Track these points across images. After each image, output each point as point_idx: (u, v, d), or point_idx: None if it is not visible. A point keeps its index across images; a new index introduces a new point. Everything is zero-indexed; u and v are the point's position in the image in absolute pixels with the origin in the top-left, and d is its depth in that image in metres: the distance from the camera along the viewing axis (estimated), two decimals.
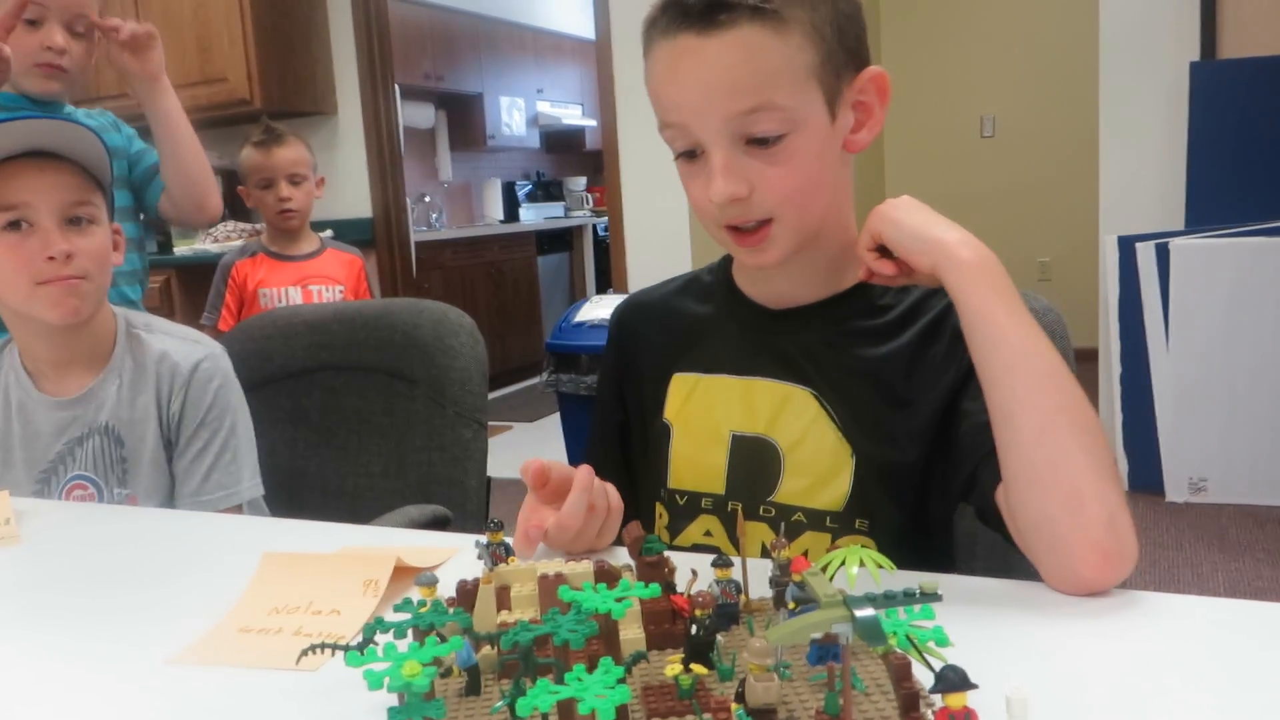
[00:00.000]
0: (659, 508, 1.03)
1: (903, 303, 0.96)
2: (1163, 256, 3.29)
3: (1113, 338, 3.44)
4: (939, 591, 0.53)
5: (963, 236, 0.84)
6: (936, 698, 0.50)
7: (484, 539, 0.75)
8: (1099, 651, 0.67)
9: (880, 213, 0.88)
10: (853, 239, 0.95)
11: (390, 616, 0.61)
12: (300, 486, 1.72)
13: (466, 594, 0.71)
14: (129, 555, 1.02)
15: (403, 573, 0.87)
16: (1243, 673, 0.62)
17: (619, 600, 0.58)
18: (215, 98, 4.31)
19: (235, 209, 4.72)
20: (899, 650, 0.54)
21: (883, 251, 0.88)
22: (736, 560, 0.72)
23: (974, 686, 0.48)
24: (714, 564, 0.69)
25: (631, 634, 0.66)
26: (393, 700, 0.52)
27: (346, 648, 0.58)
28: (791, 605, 0.65)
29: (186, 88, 4.33)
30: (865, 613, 0.48)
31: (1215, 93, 3.27)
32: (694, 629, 0.61)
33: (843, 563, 0.65)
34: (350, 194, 4.64)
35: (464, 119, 6.92)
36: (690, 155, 0.89)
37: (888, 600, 0.51)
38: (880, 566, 0.65)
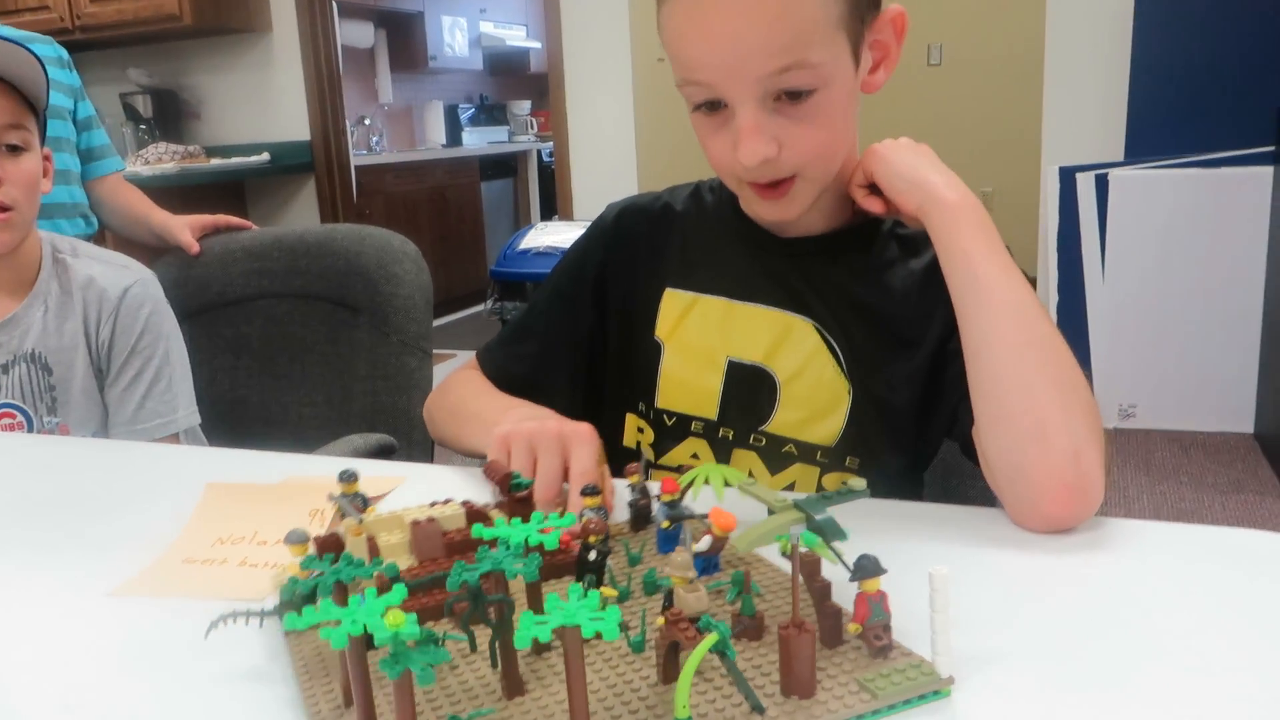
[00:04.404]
0: (638, 422, 1.02)
1: (905, 238, 0.96)
2: (1102, 187, 3.35)
3: (1051, 267, 3.50)
4: (865, 488, 0.58)
5: (948, 180, 0.86)
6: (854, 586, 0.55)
7: (338, 492, 0.70)
8: (1031, 568, 0.69)
9: (874, 152, 0.90)
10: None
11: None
12: (242, 416, 1.70)
13: (332, 546, 0.65)
14: (66, 486, 1.00)
15: None
16: (1174, 592, 0.65)
17: (542, 532, 0.58)
18: (142, 13, 4.13)
19: (166, 129, 4.57)
20: (806, 549, 0.57)
21: (874, 189, 0.90)
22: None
23: (884, 571, 0.54)
24: (582, 493, 0.70)
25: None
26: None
27: (263, 614, 0.57)
28: (665, 524, 0.70)
29: (112, 1, 4.16)
30: (824, 515, 0.53)
31: (1158, 24, 3.29)
32: (591, 555, 0.62)
33: (706, 480, 0.69)
34: (287, 116, 4.51)
35: (404, 39, 6.73)
36: (710, 107, 0.85)
37: (825, 500, 0.55)
38: (727, 484, 0.69)
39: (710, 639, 0.49)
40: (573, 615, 0.47)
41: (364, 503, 0.69)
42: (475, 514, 0.68)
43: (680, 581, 0.56)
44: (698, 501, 0.72)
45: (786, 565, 0.64)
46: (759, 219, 0.97)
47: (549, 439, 0.80)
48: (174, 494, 0.90)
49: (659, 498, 0.72)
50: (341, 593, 0.53)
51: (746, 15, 0.79)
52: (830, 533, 0.53)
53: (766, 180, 0.88)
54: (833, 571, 0.57)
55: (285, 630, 0.61)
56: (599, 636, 0.45)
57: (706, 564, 0.66)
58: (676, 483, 0.71)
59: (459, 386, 1.08)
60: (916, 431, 0.95)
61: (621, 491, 0.77)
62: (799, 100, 0.82)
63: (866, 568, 0.54)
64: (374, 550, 0.65)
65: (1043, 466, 0.74)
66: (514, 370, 1.06)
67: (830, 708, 0.51)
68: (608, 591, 0.60)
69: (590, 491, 0.70)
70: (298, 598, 0.57)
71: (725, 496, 0.69)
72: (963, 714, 0.52)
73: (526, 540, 0.57)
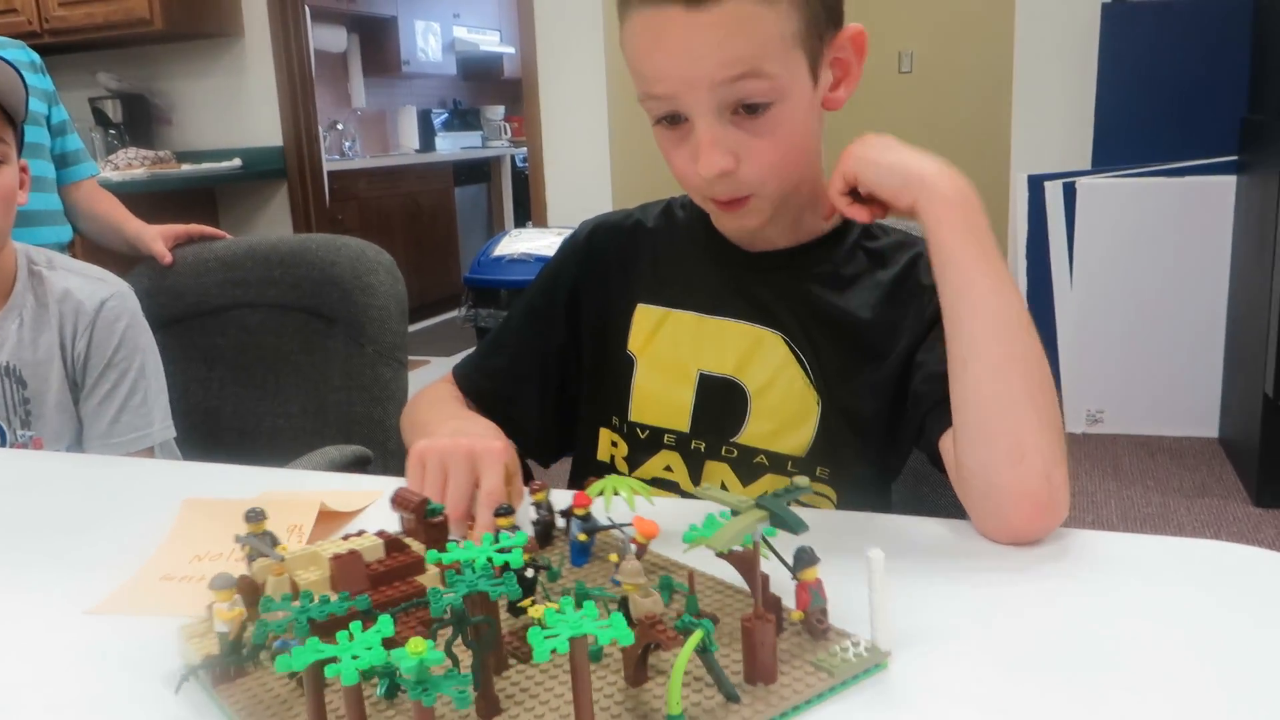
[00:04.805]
0: (612, 435, 1.03)
1: (873, 251, 0.97)
2: (1069, 195, 3.39)
3: (1020, 274, 3.54)
4: (808, 484, 0.62)
5: (940, 168, 0.84)
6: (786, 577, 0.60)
7: (244, 532, 0.67)
8: (994, 578, 0.70)
9: (854, 154, 0.86)
10: (824, 186, 0.96)
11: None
12: (215, 427, 1.70)
13: (248, 589, 0.62)
14: (40, 502, 1.00)
15: (327, 517, 0.87)
16: (1135, 601, 0.67)
17: (504, 551, 0.59)
18: (112, 16, 4.09)
19: (136, 134, 4.53)
20: (741, 547, 0.59)
21: (854, 195, 0.88)
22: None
23: (819, 560, 0.59)
24: (496, 513, 0.72)
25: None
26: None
27: (235, 662, 0.57)
28: (582, 537, 0.72)
29: (81, 4, 4.12)
30: (785, 509, 0.57)
31: (1124, 35, 3.34)
32: (529, 572, 0.63)
33: (615, 491, 0.74)
34: (259, 121, 4.48)
35: (377, 43, 6.71)
36: (671, 120, 0.87)
37: (777, 497, 0.58)
38: (636, 493, 0.74)
39: (697, 635, 0.51)
40: (580, 626, 0.48)
41: (273, 541, 0.67)
42: (393, 543, 0.67)
43: (633, 589, 0.58)
44: (609, 512, 0.75)
45: (706, 566, 0.65)
46: (726, 232, 0.99)
47: (459, 457, 0.81)
48: (150, 510, 0.91)
49: (573, 511, 0.73)
50: (326, 631, 0.52)
51: (701, 27, 0.81)
52: (793, 525, 0.57)
53: (725, 197, 0.89)
54: (765, 564, 0.60)
55: (215, 682, 0.59)
56: (615, 643, 0.48)
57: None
58: (588, 496, 0.74)
59: (424, 397, 1.09)
60: (885, 441, 0.96)
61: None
62: (756, 114, 0.84)
63: (804, 559, 0.58)
64: (294, 590, 0.63)
65: (1017, 486, 0.76)
66: (484, 384, 1.08)
67: (795, 689, 0.55)
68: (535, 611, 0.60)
69: (504, 512, 0.71)
70: (252, 647, 0.56)
71: (637, 506, 0.73)
72: (900, 683, 0.57)
73: (490, 560, 0.57)
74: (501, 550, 0.58)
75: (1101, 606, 0.66)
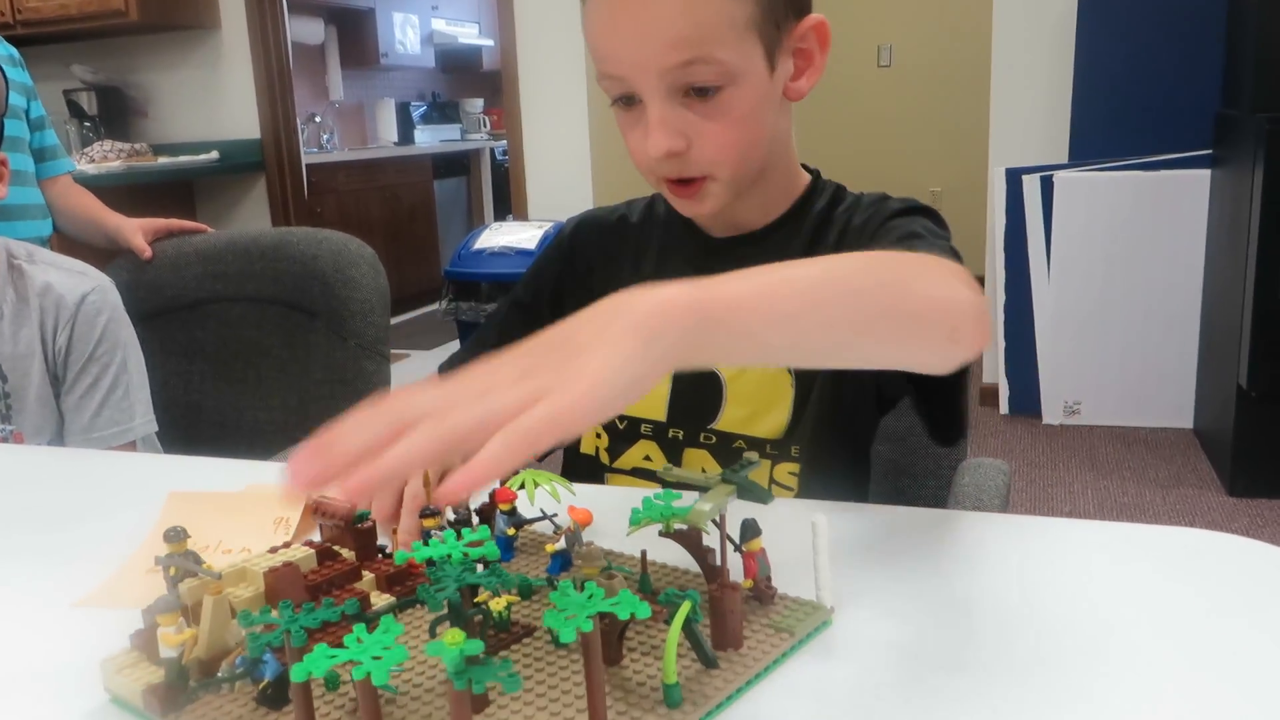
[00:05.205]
0: (594, 428, 1.04)
1: (835, 221, 0.98)
2: (1047, 189, 3.42)
3: (998, 267, 3.57)
4: (758, 459, 0.66)
5: (649, 308, 0.56)
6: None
7: (163, 554, 0.62)
8: (967, 566, 0.72)
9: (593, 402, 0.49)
10: (794, 175, 0.98)
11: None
12: (196, 421, 1.69)
13: (187, 614, 0.59)
14: (23, 496, 0.99)
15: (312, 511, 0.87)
16: (1105, 587, 0.68)
17: (472, 545, 0.59)
18: (86, 7, 4.05)
19: (112, 127, 4.49)
20: (685, 526, 0.62)
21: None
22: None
23: (761, 532, 0.62)
24: (421, 515, 0.71)
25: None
26: None
27: (233, 679, 0.55)
28: (511, 531, 0.74)
29: None
30: (750, 482, 0.61)
31: (1100, 31, 3.37)
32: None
33: (535, 484, 0.75)
34: (236, 114, 4.45)
35: (355, 35, 6.67)
36: (627, 102, 0.88)
37: (733, 473, 0.62)
38: (553, 481, 0.77)
39: (687, 606, 0.53)
40: (594, 605, 0.49)
41: (196, 560, 0.63)
42: (325, 552, 0.66)
43: (594, 572, 0.59)
44: (537, 505, 0.76)
45: (639, 548, 0.66)
46: (689, 217, 1.00)
47: None
48: (134, 503, 0.90)
49: (498, 507, 0.74)
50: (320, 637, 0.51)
51: (651, 10, 0.82)
52: (761, 496, 0.61)
53: (676, 176, 0.90)
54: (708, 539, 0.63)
55: (163, 712, 0.55)
56: (633, 617, 0.49)
57: (564, 561, 0.69)
58: (511, 491, 0.75)
59: None
60: (857, 407, 0.98)
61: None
62: (707, 97, 0.85)
63: (749, 531, 0.62)
64: (231, 609, 0.60)
65: (969, 351, 0.68)
66: None
67: (764, 650, 0.58)
68: (507, 599, 0.61)
69: (429, 513, 0.71)
70: (250, 662, 0.55)
71: (561, 496, 0.76)
72: (843, 636, 0.61)
73: (467, 555, 0.58)
74: (472, 544, 0.59)
75: (1072, 590, 0.67)
